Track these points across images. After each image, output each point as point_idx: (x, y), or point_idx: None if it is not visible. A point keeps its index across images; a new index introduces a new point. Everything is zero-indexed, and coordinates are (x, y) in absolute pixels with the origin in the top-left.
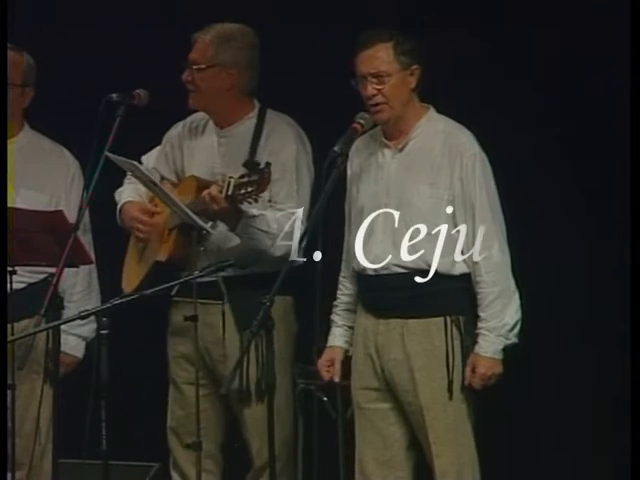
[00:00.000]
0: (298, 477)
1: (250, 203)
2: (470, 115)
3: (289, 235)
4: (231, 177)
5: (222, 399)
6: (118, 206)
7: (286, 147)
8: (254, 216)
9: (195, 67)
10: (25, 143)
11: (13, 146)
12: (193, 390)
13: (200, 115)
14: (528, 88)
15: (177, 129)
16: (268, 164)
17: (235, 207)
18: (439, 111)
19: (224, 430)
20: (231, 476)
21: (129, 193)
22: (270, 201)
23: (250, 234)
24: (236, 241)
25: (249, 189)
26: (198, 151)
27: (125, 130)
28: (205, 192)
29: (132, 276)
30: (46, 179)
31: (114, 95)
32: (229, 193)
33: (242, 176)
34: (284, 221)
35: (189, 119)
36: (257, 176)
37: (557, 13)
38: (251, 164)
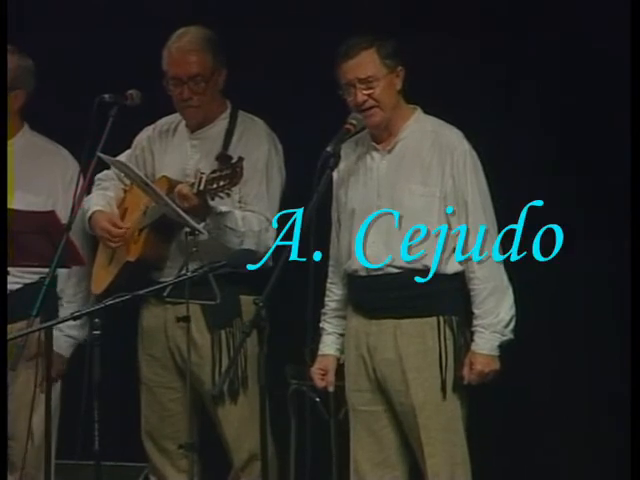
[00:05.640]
0: (291, 477)
1: (222, 198)
2: (465, 113)
3: (257, 234)
4: (203, 173)
5: (194, 401)
6: (87, 214)
7: (258, 148)
8: (222, 212)
9: (199, 79)
10: (23, 144)
11: (13, 147)
12: (166, 393)
13: (171, 118)
14: (526, 87)
15: (147, 132)
16: (241, 158)
17: (205, 202)
18: (427, 112)
19: (197, 431)
20: (208, 476)
21: (98, 201)
22: (240, 202)
23: (219, 230)
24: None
25: (221, 183)
26: (170, 154)
27: (118, 130)
28: (176, 190)
29: (102, 277)
30: (42, 181)
31: (107, 95)
32: (201, 188)
33: (214, 171)
34: (252, 220)
35: (159, 122)
36: (229, 170)
37: (557, 12)
38: (224, 157)
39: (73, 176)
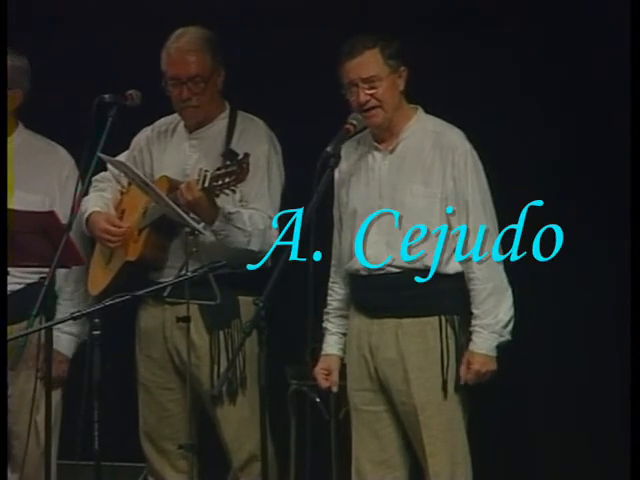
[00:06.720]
0: (291, 477)
1: (227, 195)
2: (465, 114)
3: (262, 233)
4: (207, 170)
5: (193, 401)
6: (85, 215)
7: (258, 147)
8: (231, 213)
9: (198, 79)
10: (19, 143)
11: (10, 145)
12: (165, 394)
13: (169, 118)
14: (526, 87)
15: (145, 133)
16: (247, 154)
17: (212, 202)
18: (428, 112)
19: (195, 432)
20: (207, 476)
21: (95, 202)
22: (241, 200)
23: (227, 231)
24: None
25: (226, 180)
26: (168, 154)
27: (118, 131)
28: (182, 185)
29: (100, 278)
30: (39, 179)
31: (106, 96)
32: (205, 185)
33: (219, 168)
34: (257, 218)
35: (158, 123)
36: (235, 166)
37: (557, 13)
38: (230, 153)
39: (69, 173)
